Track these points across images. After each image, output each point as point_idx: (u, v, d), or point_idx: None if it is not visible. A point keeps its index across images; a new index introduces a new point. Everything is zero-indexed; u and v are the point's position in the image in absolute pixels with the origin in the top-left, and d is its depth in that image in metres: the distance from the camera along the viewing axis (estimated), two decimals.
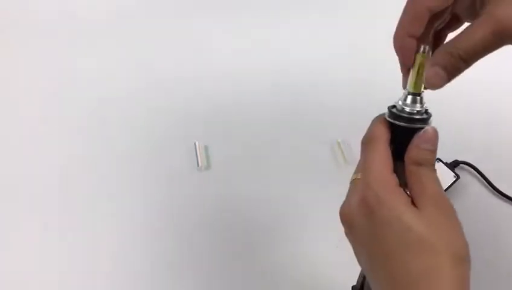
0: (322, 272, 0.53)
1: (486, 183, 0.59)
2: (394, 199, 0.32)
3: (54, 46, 0.75)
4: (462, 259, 0.31)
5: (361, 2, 0.79)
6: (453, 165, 0.59)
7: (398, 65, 0.72)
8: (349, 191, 0.36)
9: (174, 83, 0.70)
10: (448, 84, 0.34)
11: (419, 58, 0.34)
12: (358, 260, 0.35)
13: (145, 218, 0.58)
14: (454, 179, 0.57)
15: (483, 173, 0.59)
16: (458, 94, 0.67)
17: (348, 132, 0.64)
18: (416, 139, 0.33)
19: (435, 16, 0.35)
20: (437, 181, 0.33)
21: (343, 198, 0.58)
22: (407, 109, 0.34)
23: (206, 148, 0.63)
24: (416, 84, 0.34)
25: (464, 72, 0.34)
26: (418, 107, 0.34)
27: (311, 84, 0.70)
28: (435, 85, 0.33)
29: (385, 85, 0.68)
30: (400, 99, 0.35)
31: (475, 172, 0.59)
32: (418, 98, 0.34)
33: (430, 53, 0.33)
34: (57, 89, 0.70)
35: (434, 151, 0.33)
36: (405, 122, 0.34)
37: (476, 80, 0.67)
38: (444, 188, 0.56)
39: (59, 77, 0.72)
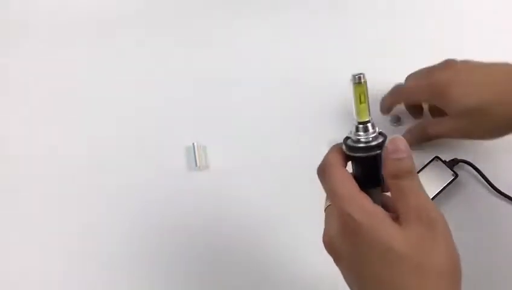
0: (321, 273, 0.53)
1: (485, 181, 0.58)
2: (372, 219, 0.31)
3: (53, 47, 0.75)
4: (449, 275, 0.30)
5: (359, 3, 0.79)
6: (451, 164, 0.59)
7: (396, 65, 0.73)
8: (325, 219, 0.36)
9: (173, 83, 0.70)
10: None
11: (358, 89, 0.35)
12: (349, 286, 0.34)
13: (142, 217, 0.59)
14: (453, 178, 0.57)
15: (482, 171, 0.59)
16: None
17: (346, 133, 0.64)
18: (385, 153, 0.33)
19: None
20: (420, 192, 0.32)
21: None
22: (363, 139, 0.35)
23: (204, 148, 0.63)
24: (362, 113, 0.35)
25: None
26: (371, 134, 0.35)
27: (309, 84, 0.70)
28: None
29: (382, 86, 0.69)
30: (351, 132, 0.36)
31: (474, 171, 0.59)
32: (369, 124, 0.35)
33: (367, 81, 0.35)
34: (54, 90, 0.70)
35: (407, 158, 0.33)
36: (364, 152, 0.34)
37: None
38: (442, 187, 0.56)
39: (57, 78, 0.72)
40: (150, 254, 0.56)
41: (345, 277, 0.34)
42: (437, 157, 0.58)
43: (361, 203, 0.32)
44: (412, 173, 0.33)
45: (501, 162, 0.60)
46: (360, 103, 0.35)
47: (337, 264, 0.35)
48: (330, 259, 0.52)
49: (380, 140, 0.34)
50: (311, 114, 0.66)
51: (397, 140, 0.33)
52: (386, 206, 0.35)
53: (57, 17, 0.77)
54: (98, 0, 0.79)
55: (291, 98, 0.68)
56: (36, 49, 0.75)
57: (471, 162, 0.59)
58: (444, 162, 0.58)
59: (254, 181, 0.61)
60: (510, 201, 0.57)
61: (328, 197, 0.36)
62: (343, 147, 0.36)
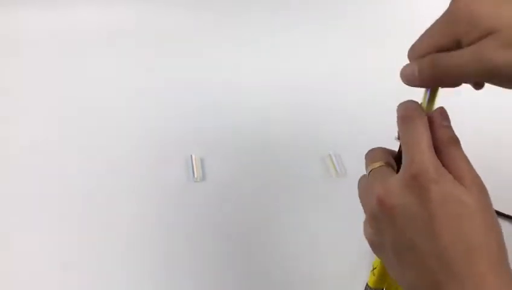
0: (315, 284, 0.54)
1: None
2: (445, 178, 0.31)
3: (57, 55, 0.76)
4: (501, 235, 0.32)
5: (356, 18, 0.81)
6: None
7: (390, 80, 0.73)
8: (376, 177, 0.35)
9: (173, 96, 0.72)
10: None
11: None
12: (395, 243, 0.33)
13: (139, 228, 0.59)
14: None
15: None
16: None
17: (339, 145, 0.65)
18: (437, 121, 0.34)
19: None
20: (467, 159, 0.33)
21: (335, 210, 0.60)
22: None
23: (202, 160, 0.64)
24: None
25: None
26: None
27: (303, 98, 0.71)
28: (408, 82, 0.35)
29: (377, 98, 0.71)
30: None
31: None
32: None
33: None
34: (55, 100, 0.71)
35: (451, 127, 0.34)
36: None
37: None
38: None
39: (59, 87, 0.73)
40: (147, 264, 0.56)
41: (391, 231, 0.33)
42: None
43: (437, 163, 0.32)
44: (459, 141, 0.34)
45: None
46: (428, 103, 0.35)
47: (389, 220, 0.33)
48: (327, 269, 0.53)
49: None
50: (308, 126, 0.68)
51: (443, 109, 0.35)
52: None
53: (61, 27, 0.79)
54: (100, 14, 0.81)
55: (288, 110, 0.70)
56: (41, 56, 0.76)
57: None
58: None
59: (250, 193, 0.62)
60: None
61: (377, 158, 0.36)
62: None
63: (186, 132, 0.68)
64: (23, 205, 0.61)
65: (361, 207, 0.36)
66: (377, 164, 0.36)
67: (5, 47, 0.77)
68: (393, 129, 0.65)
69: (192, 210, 0.61)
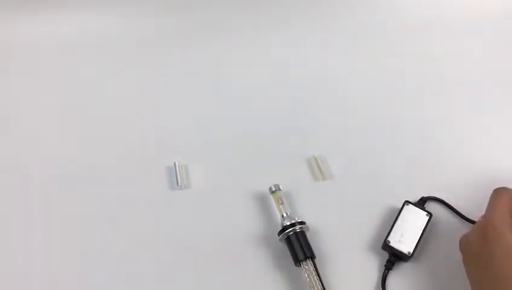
0: None
1: (454, 213, 0.60)
2: (505, 229, 0.46)
3: (49, 65, 0.77)
4: None
5: (346, 19, 0.83)
6: (421, 203, 0.60)
7: (375, 84, 0.76)
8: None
9: (155, 103, 0.72)
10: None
11: (275, 196, 0.59)
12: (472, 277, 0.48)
13: (124, 236, 0.59)
14: (428, 217, 0.58)
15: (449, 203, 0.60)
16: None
17: (324, 148, 0.66)
18: None
19: None
20: None
21: (318, 212, 0.60)
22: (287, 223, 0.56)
23: (185, 168, 0.64)
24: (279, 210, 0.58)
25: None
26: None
27: (288, 100, 0.72)
28: None
29: (361, 102, 0.72)
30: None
31: (441, 204, 0.61)
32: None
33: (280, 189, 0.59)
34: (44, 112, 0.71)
35: None
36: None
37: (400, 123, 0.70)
38: (423, 229, 0.57)
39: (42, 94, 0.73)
40: (132, 272, 0.56)
41: (469, 266, 0.49)
42: (407, 202, 0.59)
43: (504, 220, 0.48)
44: None
45: (462, 192, 0.62)
46: (278, 204, 0.58)
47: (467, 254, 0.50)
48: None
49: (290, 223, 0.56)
50: (290, 130, 0.69)
51: None
52: None
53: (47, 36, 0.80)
54: (94, 20, 0.81)
55: (270, 117, 0.70)
56: (37, 65, 0.77)
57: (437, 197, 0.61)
58: (415, 204, 0.59)
59: (235, 200, 0.62)
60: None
61: (487, 207, 0.50)
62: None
63: (169, 139, 0.68)
64: (16, 210, 0.61)
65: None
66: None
67: (3, 51, 0.78)
68: (381, 132, 0.67)
69: (176, 219, 0.60)
